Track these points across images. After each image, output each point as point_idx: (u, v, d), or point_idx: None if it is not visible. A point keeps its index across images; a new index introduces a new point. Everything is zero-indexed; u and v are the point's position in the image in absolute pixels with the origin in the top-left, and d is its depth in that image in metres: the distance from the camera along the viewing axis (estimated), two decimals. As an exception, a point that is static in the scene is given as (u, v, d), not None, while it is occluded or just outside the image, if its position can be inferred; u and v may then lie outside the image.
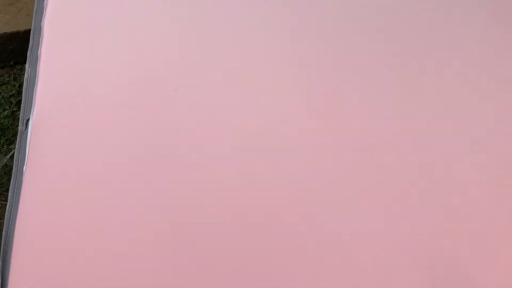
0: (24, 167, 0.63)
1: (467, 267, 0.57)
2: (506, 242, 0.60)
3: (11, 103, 1.51)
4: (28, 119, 0.69)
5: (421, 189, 0.63)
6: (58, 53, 0.77)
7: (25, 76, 0.76)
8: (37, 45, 0.79)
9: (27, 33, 0.82)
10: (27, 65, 0.78)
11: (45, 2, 0.83)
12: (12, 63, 1.61)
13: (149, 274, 0.55)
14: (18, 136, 0.69)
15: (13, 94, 1.53)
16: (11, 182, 0.63)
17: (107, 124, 0.69)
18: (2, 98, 1.52)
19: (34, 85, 0.73)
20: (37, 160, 0.64)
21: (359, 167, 0.65)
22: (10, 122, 1.46)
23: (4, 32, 1.55)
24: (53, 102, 0.71)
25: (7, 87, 1.55)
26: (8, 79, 1.58)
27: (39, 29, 0.81)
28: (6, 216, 0.60)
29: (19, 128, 0.70)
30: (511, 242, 0.59)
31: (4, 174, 1.31)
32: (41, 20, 0.82)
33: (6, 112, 1.48)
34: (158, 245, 0.57)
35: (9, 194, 0.62)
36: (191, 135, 0.68)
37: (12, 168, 0.66)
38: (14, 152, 0.68)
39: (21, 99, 0.74)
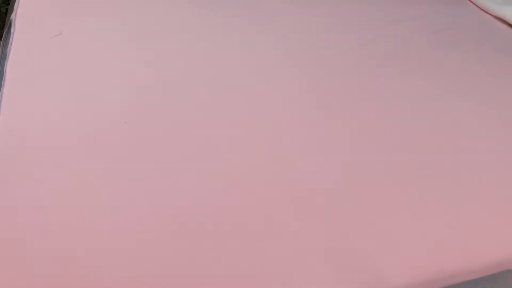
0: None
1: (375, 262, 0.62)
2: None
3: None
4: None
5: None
6: (18, 94, 0.83)
7: (-11, 117, 0.81)
8: (0, 88, 0.85)
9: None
10: (-10, 107, 0.83)
11: (8, 48, 0.90)
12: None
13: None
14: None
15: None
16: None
17: (62, 164, 0.72)
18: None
19: (-5, 125, 0.78)
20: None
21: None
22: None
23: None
24: (12, 141, 0.76)
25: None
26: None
27: (2, 74, 0.87)
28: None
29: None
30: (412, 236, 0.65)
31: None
32: (4, 65, 0.88)
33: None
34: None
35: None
36: (142, 165, 0.73)
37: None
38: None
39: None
